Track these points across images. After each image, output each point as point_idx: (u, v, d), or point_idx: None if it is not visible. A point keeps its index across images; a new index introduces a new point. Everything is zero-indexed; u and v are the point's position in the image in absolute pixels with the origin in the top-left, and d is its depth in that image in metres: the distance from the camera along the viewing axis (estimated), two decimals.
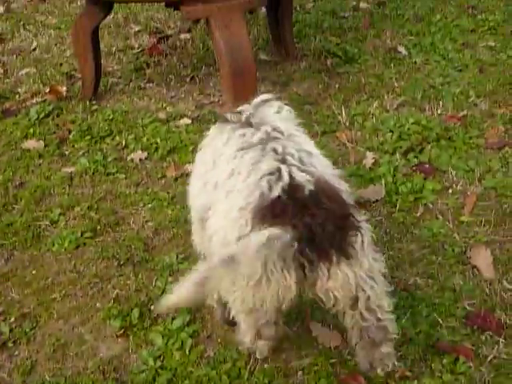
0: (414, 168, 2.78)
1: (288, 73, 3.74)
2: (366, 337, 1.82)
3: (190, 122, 3.26)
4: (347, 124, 3.15)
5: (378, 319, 1.79)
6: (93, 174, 2.91)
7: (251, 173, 1.69)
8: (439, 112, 3.20)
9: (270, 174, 1.67)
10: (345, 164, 2.87)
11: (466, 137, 2.98)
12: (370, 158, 2.86)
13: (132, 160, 2.99)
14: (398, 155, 2.86)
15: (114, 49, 4.16)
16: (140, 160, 2.99)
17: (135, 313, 2.16)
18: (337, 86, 3.54)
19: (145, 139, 3.12)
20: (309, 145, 1.88)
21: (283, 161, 1.70)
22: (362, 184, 2.71)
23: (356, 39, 4.06)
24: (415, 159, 2.84)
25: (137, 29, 4.42)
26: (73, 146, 3.13)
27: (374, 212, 2.57)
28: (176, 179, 2.83)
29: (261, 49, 4.03)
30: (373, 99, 3.35)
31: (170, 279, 2.30)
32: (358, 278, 1.68)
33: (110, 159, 3.00)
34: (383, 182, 2.70)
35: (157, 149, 3.04)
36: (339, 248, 1.63)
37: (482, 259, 2.29)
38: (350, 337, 1.86)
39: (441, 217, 2.52)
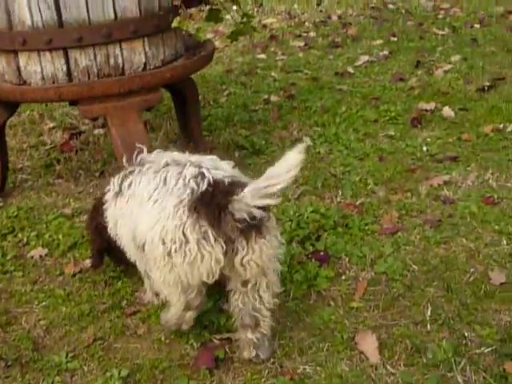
0: (310, 256, 2.86)
1: None
2: (239, 319, 2.23)
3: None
4: None
5: (254, 308, 2.20)
6: None
7: (179, 180, 2.10)
8: (338, 200, 3.32)
9: (195, 177, 2.08)
10: None
11: (362, 223, 3.09)
12: None
13: (32, 257, 2.97)
14: (294, 244, 2.93)
15: (25, 145, 4.19)
16: (40, 256, 2.97)
17: None
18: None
19: (47, 235, 3.11)
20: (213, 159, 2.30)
21: (201, 167, 2.12)
22: None
23: (264, 131, 4.21)
24: (311, 247, 2.92)
25: (51, 125, 4.48)
26: None
27: None
28: (74, 275, 2.83)
29: (172, 142, 4.13)
30: None
31: (57, 378, 2.26)
32: (269, 254, 2.10)
33: (9, 257, 2.97)
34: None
35: (58, 245, 3.04)
36: (257, 227, 2.03)
37: (369, 344, 2.33)
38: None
39: (333, 303, 2.57)
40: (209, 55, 3.30)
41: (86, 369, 2.32)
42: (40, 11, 2.78)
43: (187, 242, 2.00)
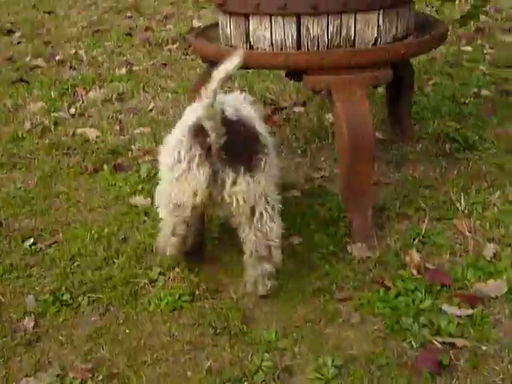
0: None
1: (402, 154, 3.61)
2: (254, 252, 2.34)
3: (299, 194, 3.18)
4: (465, 212, 2.95)
5: (267, 238, 2.32)
6: None
7: (189, 115, 2.36)
8: None
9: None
10: (462, 254, 2.67)
11: None
12: (490, 250, 2.65)
13: None
14: None
15: None
16: None
17: None
18: (455, 171, 3.36)
19: None
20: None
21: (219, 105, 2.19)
22: (482, 277, 2.50)
23: (477, 126, 3.88)
24: None
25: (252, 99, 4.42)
26: None
27: (493, 309, 2.35)
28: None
29: (376, 127, 3.92)
30: (494, 189, 3.15)
31: (266, 356, 2.15)
32: (257, 192, 2.24)
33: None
34: (505, 277, 2.47)
35: None
36: (246, 164, 2.21)
37: None
38: (244, 253, 2.39)
39: None
40: (441, 36, 3.04)
41: (296, 350, 2.19)
42: None
43: (179, 161, 2.23)
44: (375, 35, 2.81)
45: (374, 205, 3.02)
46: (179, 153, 2.24)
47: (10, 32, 6.77)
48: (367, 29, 2.79)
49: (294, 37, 2.78)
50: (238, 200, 2.24)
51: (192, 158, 2.21)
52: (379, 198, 3.13)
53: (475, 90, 4.47)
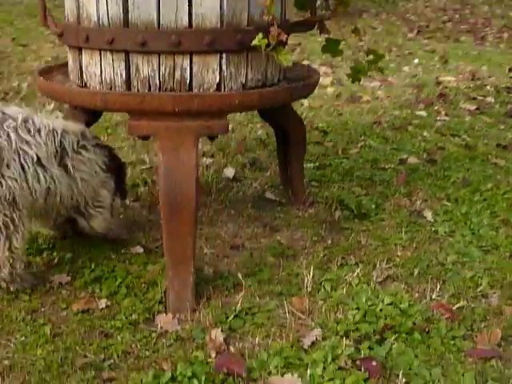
0: (359, 362, 2.14)
1: (287, 218, 3.25)
2: None
3: (141, 251, 2.85)
4: (309, 289, 2.57)
5: None
6: None
7: None
8: (432, 297, 2.56)
9: None
10: (277, 338, 2.28)
11: (449, 335, 2.31)
12: (311, 338, 2.26)
13: None
14: (348, 341, 2.23)
15: None
16: None
17: None
18: (329, 241, 2.99)
19: None
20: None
21: None
22: (283, 369, 2.11)
23: (382, 194, 3.51)
24: (368, 351, 2.20)
25: None
26: None
27: None
28: None
29: (272, 186, 3.59)
30: (360, 265, 2.77)
31: None
32: None
33: None
34: (308, 372, 2.08)
35: None
36: None
37: None
38: None
39: None
40: (299, 86, 2.70)
41: None
42: (107, 7, 2.41)
43: None
44: (216, 80, 2.50)
45: (213, 272, 2.69)
46: None
47: None
48: (206, 73, 2.49)
49: (123, 76, 2.49)
50: None
51: None
52: (228, 265, 2.78)
53: (404, 156, 4.12)
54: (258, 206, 3.37)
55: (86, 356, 2.16)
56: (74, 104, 2.62)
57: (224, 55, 2.49)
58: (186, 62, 2.46)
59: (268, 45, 2.37)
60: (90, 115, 2.96)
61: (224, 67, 2.50)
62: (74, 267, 2.70)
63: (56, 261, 2.75)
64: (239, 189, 3.57)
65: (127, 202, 3.26)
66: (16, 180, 2.33)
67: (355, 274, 2.68)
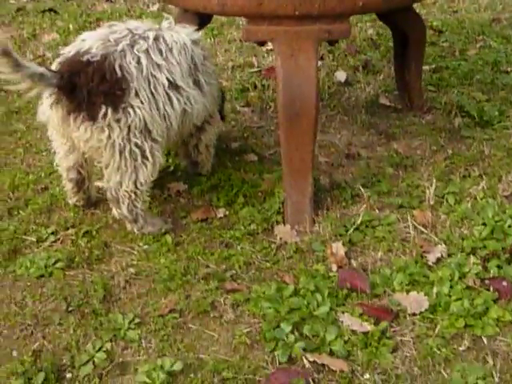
0: (488, 282, 2.05)
1: (403, 125, 3.10)
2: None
3: (255, 159, 2.81)
4: (431, 202, 2.46)
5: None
6: None
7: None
8: None
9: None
10: (399, 254, 2.21)
11: None
12: (435, 254, 2.18)
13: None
14: (474, 258, 2.14)
15: (231, 64, 3.82)
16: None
17: (40, 378, 1.75)
18: (450, 151, 2.84)
19: None
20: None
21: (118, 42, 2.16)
22: (407, 286, 2.05)
23: (506, 100, 3.28)
24: (496, 269, 2.11)
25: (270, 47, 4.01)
26: None
27: (402, 329, 1.91)
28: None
29: (386, 91, 3.42)
30: (484, 177, 2.62)
31: (107, 346, 1.85)
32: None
33: None
34: (434, 290, 2.01)
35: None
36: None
37: None
38: None
39: (491, 361, 1.80)
40: None
41: (143, 344, 1.87)
42: None
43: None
44: None
45: (329, 182, 2.62)
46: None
47: None
48: None
49: None
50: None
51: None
52: (344, 175, 2.70)
53: None
54: (371, 112, 3.23)
55: (208, 266, 2.17)
56: (191, 8, 2.51)
57: None
58: None
59: None
60: (203, 18, 2.87)
61: None
62: (190, 175, 2.69)
63: (172, 168, 2.74)
64: (351, 93, 3.43)
65: (237, 107, 3.20)
66: (145, 108, 2.14)
67: (480, 186, 2.54)
